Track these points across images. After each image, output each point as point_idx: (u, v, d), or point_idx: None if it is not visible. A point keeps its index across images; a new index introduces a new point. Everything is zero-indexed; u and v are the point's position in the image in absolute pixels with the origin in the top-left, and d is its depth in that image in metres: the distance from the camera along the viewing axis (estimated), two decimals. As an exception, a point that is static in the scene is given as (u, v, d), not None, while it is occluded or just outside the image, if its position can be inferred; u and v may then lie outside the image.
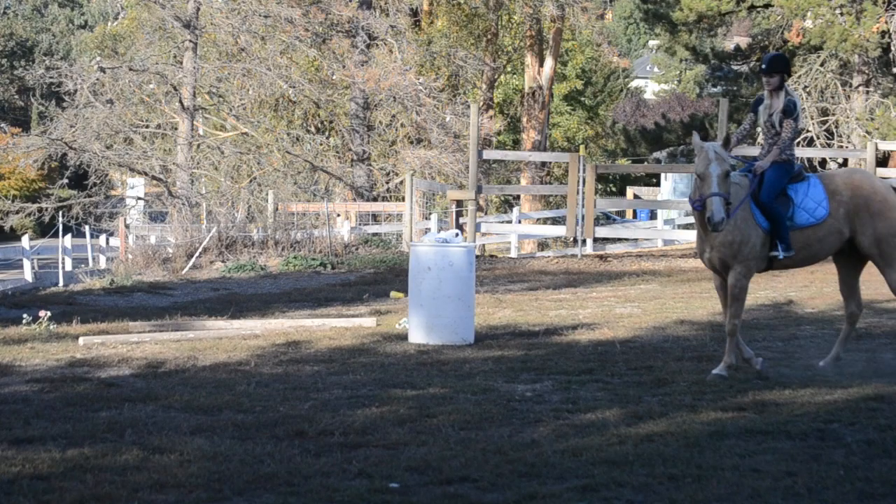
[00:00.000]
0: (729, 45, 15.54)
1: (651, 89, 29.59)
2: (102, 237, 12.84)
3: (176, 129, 13.44)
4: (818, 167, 12.56)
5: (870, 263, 3.77)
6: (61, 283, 9.57)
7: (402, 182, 12.42)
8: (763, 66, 3.70)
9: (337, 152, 14.18)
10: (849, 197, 3.65)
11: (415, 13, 15.46)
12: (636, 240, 12.27)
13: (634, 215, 20.24)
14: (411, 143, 13.92)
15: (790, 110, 3.65)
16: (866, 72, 12.11)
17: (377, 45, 13.49)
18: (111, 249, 12.47)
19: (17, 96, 25.31)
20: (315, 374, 3.83)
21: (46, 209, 12.51)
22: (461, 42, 16.01)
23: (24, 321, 5.08)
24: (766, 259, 3.61)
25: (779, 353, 4.22)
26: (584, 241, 9.92)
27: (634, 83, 29.08)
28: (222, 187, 12.93)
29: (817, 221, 3.62)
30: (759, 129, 3.80)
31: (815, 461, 2.57)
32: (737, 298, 3.60)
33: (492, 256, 10.82)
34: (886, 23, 11.56)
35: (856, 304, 3.82)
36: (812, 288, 6.57)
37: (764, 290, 6.58)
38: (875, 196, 3.66)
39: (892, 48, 11.67)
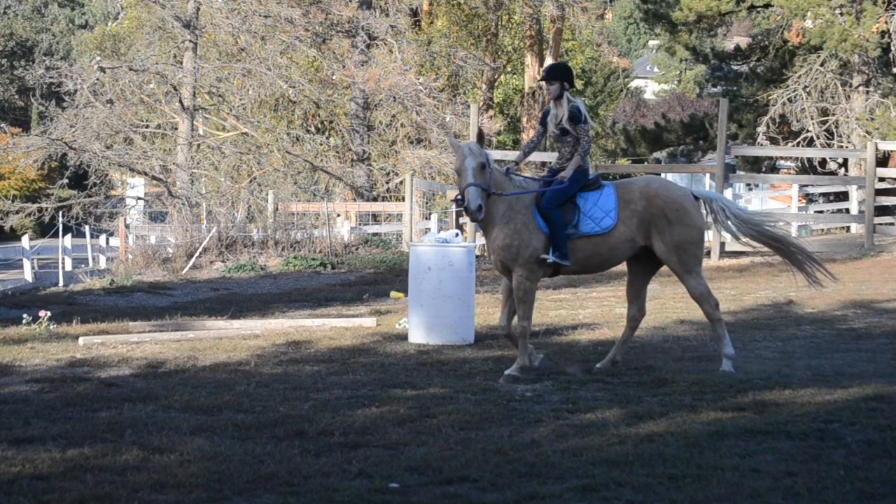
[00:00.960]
0: (729, 45, 15.54)
1: (651, 89, 29.58)
2: (102, 237, 12.85)
3: (176, 129, 13.44)
4: (818, 167, 12.59)
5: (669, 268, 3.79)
6: (61, 283, 9.57)
7: (402, 182, 12.42)
8: (543, 75, 3.76)
9: (337, 152, 14.18)
10: (643, 206, 3.67)
11: (415, 13, 15.46)
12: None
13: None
14: (411, 143, 13.91)
15: (577, 116, 3.68)
16: (866, 72, 12.09)
17: (377, 45, 13.49)
18: (111, 249, 12.48)
19: (17, 96, 25.33)
20: (315, 374, 3.83)
21: (46, 209, 12.50)
22: (461, 42, 16.01)
23: (24, 321, 5.09)
24: (552, 264, 3.65)
25: (779, 352, 4.23)
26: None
27: (634, 83, 29.07)
28: (222, 187, 12.93)
29: (603, 231, 3.65)
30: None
31: (816, 461, 2.57)
32: (522, 301, 3.63)
33: (492, 256, 10.78)
34: (886, 23, 11.55)
35: (638, 308, 3.84)
36: (812, 288, 6.58)
37: (764, 290, 6.57)
38: (671, 205, 3.67)
39: (892, 48, 11.63)
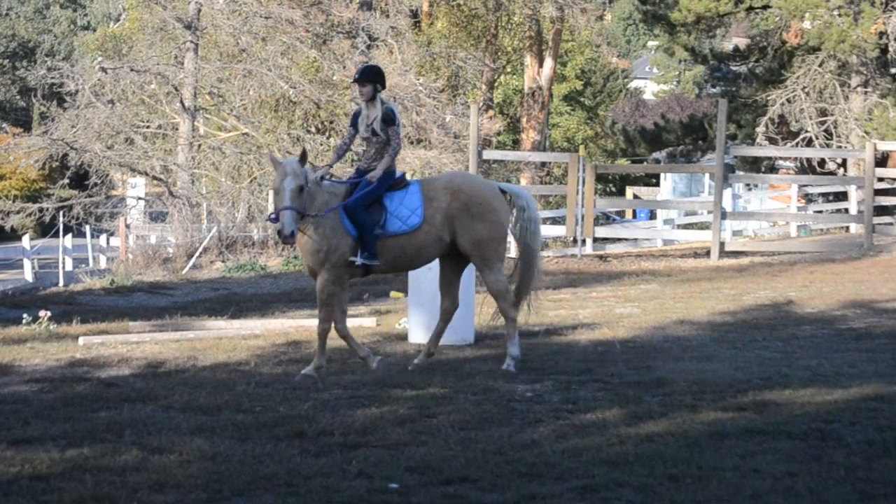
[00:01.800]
0: (727, 46, 15.56)
1: (650, 90, 29.62)
2: (103, 237, 12.84)
3: (177, 129, 13.43)
4: (817, 167, 12.58)
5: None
6: (61, 283, 9.56)
7: (402, 182, 12.32)
8: (356, 77, 3.75)
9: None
10: (447, 202, 3.67)
11: (415, 14, 15.46)
12: (636, 240, 12.25)
13: (634, 215, 20.27)
14: (411, 143, 13.91)
15: (390, 118, 3.69)
16: (864, 72, 12.09)
17: (377, 45, 13.48)
18: (111, 249, 12.48)
19: (18, 97, 25.26)
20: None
21: (47, 209, 12.48)
22: (461, 43, 16.02)
23: (24, 321, 5.08)
24: (362, 266, 3.65)
25: (779, 352, 4.22)
26: (583, 241, 9.88)
27: (634, 84, 29.10)
28: (223, 187, 12.92)
29: (410, 229, 3.63)
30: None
31: (816, 461, 2.56)
32: (325, 304, 3.61)
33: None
34: (884, 24, 11.53)
35: (451, 301, 3.84)
36: (812, 288, 6.58)
37: (764, 289, 6.56)
38: (475, 199, 3.68)
39: (890, 49, 11.59)
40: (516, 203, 3.82)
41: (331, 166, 3.82)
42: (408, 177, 4.00)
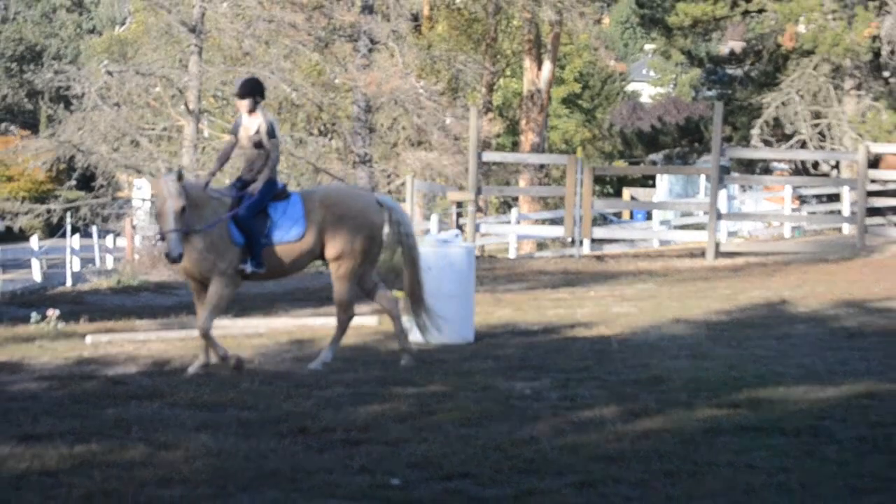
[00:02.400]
0: (724, 50, 15.65)
1: (647, 93, 29.68)
2: (109, 238, 12.86)
3: (181, 131, 13.45)
4: (811, 169, 12.64)
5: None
6: (69, 282, 9.56)
7: (402, 184, 12.46)
8: (236, 91, 3.84)
9: (339, 154, 14.20)
10: (322, 214, 3.78)
11: (415, 18, 15.51)
12: (633, 240, 12.32)
13: (631, 216, 20.34)
14: (412, 145, 13.95)
15: (271, 131, 3.77)
16: (858, 76, 12.15)
17: (379, 49, 13.52)
18: (118, 250, 12.49)
19: (26, 100, 25.22)
20: (317, 372, 3.85)
21: (54, 210, 12.51)
22: (461, 46, 16.07)
23: (32, 320, 5.11)
24: (240, 272, 3.77)
25: (772, 351, 4.25)
26: (581, 242, 9.95)
27: (631, 87, 29.15)
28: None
29: (293, 240, 3.75)
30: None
31: (808, 457, 2.60)
32: (217, 307, 3.75)
33: (491, 257, 10.85)
34: (877, 28, 11.58)
35: (383, 298, 3.98)
36: (805, 287, 6.63)
37: (758, 289, 6.61)
38: (349, 212, 3.80)
39: (883, 52, 11.66)
40: (392, 217, 3.92)
41: (213, 174, 3.84)
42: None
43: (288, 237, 3.73)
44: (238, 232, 3.69)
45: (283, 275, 3.96)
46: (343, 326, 3.91)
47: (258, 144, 3.77)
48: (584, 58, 23.86)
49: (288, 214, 3.73)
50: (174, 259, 3.61)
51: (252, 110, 3.78)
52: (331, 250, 3.80)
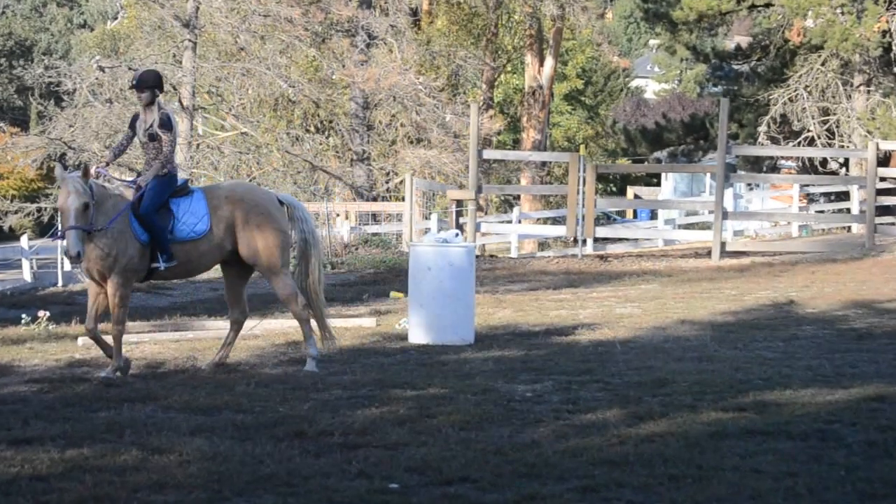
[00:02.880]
0: (729, 45, 15.54)
1: (651, 89, 29.57)
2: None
3: (175, 128, 13.34)
4: (819, 167, 12.55)
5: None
6: (60, 283, 9.53)
7: (401, 182, 12.42)
8: (134, 83, 3.80)
9: (336, 152, 14.16)
10: (229, 211, 3.75)
11: (414, 13, 15.43)
12: (636, 240, 12.25)
13: (635, 215, 20.28)
14: (411, 142, 13.90)
15: (167, 124, 3.73)
16: (867, 71, 12.06)
17: (377, 44, 13.46)
18: (111, 249, 12.40)
19: (15, 96, 25.20)
20: (314, 375, 3.82)
21: (45, 209, 12.52)
22: (461, 41, 15.99)
23: (22, 321, 5.09)
24: (147, 270, 3.73)
25: (779, 353, 4.21)
26: (584, 241, 9.89)
27: (635, 83, 29.05)
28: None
29: (198, 236, 3.71)
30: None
31: (816, 462, 2.56)
32: (120, 306, 3.71)
33: (492, 256, 10.80)
34: (888, 22, 11.50)
35: (240, 311, 3.94)
36: (813, 288, 6.57)
37: (765, 289, 6.57)
38: (256, 209, 3.76)
39: (894, 47, 11.57)
40: (294, 215, 3.88)
41: (107, 164, 3.78)
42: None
43: (192, 233, 3.70)
44: (141, 228, 3.66)
45: (188, 273, 3.92)
46: (302, 318, 3.86)
47: (153, 137, 3.73)
48: (587, 53, 23.74)
49: (192, 210, 3.70)
50: (72, 257, 3.56)
51: (150, 103, 3.74)
52: (245, 248, 3.77)
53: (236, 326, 3.95)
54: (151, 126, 3.73)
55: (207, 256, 3.80)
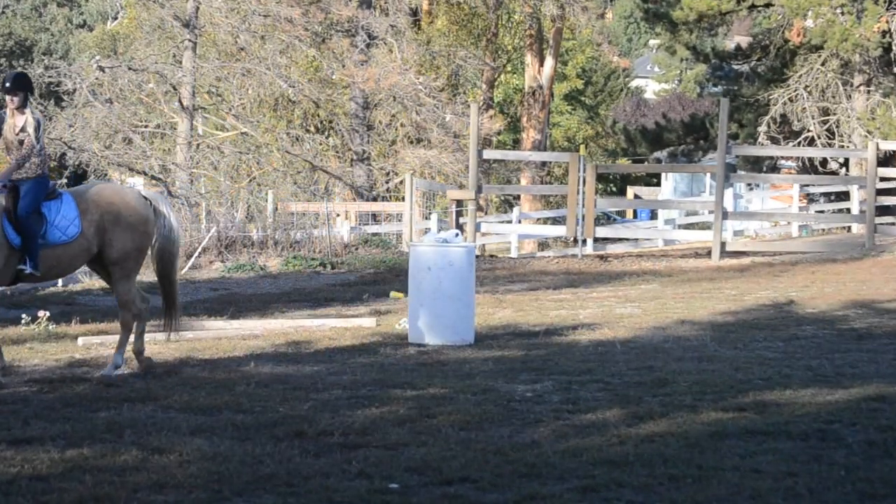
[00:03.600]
0: (729, 45, 15.55)
1: (651, 89, 29.58)
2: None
3: (175, 128, 13.40)
4: (819, 167, 12.55)
5: None
6: (60, 282, 9.53)
7: (401, 182, 12.42)
8: (6, 86, 3.75)
9: (336, 152, 14.16)
10: (99, 214, 3.73)
11: (414, 13, 15.44)
12: (637, 240, 12.25)
13: (635, 215, 20.28)
14: (411, 142, 13.90)
15: (37, 128, 3.74)
16: (867, 71, 12.07)
17: (377, 44, 13.46)
18: (110, 249, 12.40)
19: (16, 95, 25.10)
20: (314, 375, 3.82)
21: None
22: (461, 41, 15.99)
23: (22, 321, 5.08)
24: (14, 273, 3.68)
25: (780, 353, 4.21)
26: (584, 241, 9.89)
27: (635, 83, 29.06)
28: (222, 187, 12.89)
29: (69, 239, 3.70)
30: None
31: (817, 462, 2.56)
32: None
33: (492, 256, 10.81)
34: (888, 22, 11.50)
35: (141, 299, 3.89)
36: (813, 288, 6.58)
37: (765, 290, 6.56)
38: (126, 211, 3.77)
39: (894, 48, 11.58)
40: (157, 209, 3.88)
41: None
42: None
43: (64, 237, 3.70)
44: (14, 233, 3.64)
45: (58, 276, 3.97)
46: (129, 327, 3.85)
47: (23, 142, 3.73)
48: (587, 53, 23.72)
49: (63, 214, 3.70)
50: None
51: (21, 106, 3.74)
52: (112, 251, 3.78)
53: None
54: (23, 130, 3.72)
55: (77, 259, 3.80)
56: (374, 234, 11.00)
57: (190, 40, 12.67)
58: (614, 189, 24.02)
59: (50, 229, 3.68)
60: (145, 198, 3.88)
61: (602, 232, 10.57)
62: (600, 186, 19.62)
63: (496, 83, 18.34)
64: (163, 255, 3.92)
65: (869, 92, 12.12)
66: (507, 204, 18.75)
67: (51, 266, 3.75)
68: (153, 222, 3.85)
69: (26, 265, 3.65)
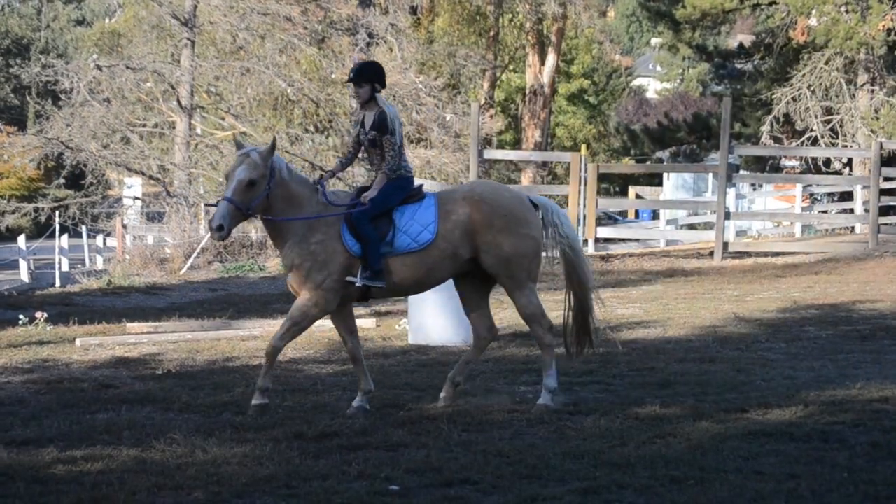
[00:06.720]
0: (732, 44, 15.51)
1: (653, 88, 29.50)
2: (99, 237, 12.75)
3: (173, 128, 13.37)
4: (823, 166, 12.44)
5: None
6: (58, 283, 9.54)
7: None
8: (351, 76, 3.24)
9: (336, 152, 14.14)
10: (467, 214, 3.19)
11: (415, 11, 15.41)
12: (638, 240, 12.24)
13: (636, 215, 20.20)
14: (411, 142, 13.85)
15: (383, 126, 3.22)
16: (872, 70, 12.01)
17: (377, 43, 13.43)
18: (108, 250, 12.42)
19: (12, 95, 25.12)
20: (314, 376, 3.81)
21: (43, 209, 12.42)
22: (462, 40, 15.96)
23: (20, 322, 5.07)
24: (361, 287, 3.13)
25: (782, 354, 4.19)
26: (585, 242, 9.87)
27: (637, 82, 28.98)
28: (220, 187, 12.86)
29: (420, 246, 3.15)
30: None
31: (819, 463, 2.55)
32: (297, 322, 3.14)
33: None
34: (892, 20, 11.44)
35: (487, 328, 3.30)
36: (816, 289, 6.55)
37: (767, 290, 6.55)
38: (499, 210, 3.19)
39: (899, 46, 11.61)
40: (547, 219, 3.28)
41: (333, 174, 3.26)
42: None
43: (414, 245, 3.20)
44: (352, 237, 3.15)
45: (414, 290, 3.39)
46: (545, 342, 3.26)
47: (374, 142, 3.29)
48: (593, 52, 23.60)
49: (417, 218, 3.22)
50: (213, 230, 3.08)
51: (369, 100, 3.26)
52: (488, 256, 3.24)
53: (481, 343, 3.30)
54: (371, 127, 3.23)
55: (437, 269, 3.17)
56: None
57: (188, 39, 12.63)
58: (616, 189, 23.96)
59: (398, 235, 3.12)
60: (533, 203, 3.25)
61: (604, 232, 10.49)
62: (604, 186, 19.48)
63: (497, 82, 18.28)
64: (568, 271, 3.26)
65: (873, 91, 12.06)
66: (508, 203, 18.52)
67: (403, 277, 3.15)
68: (537, 225, 3.20)
69: (359, 276, 3.06)
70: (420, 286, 3.31)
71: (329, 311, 3.20)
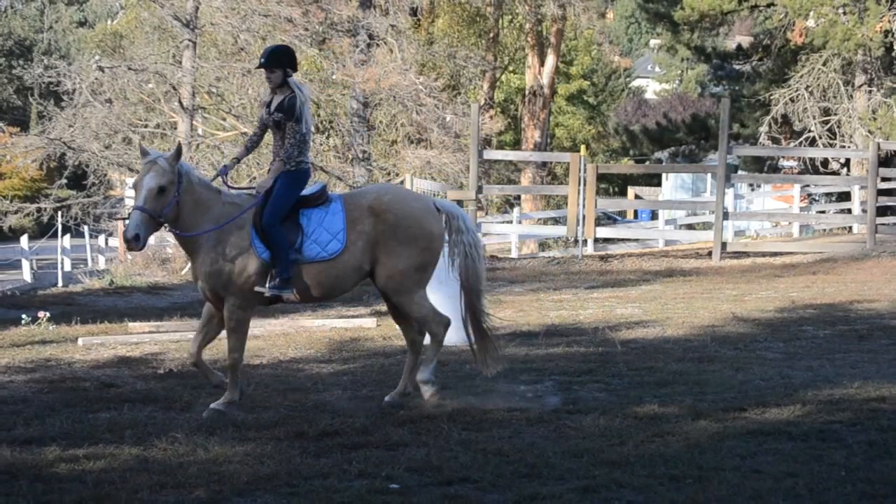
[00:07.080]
0: (731, 45, 15.54)
1: (652, 88, 29.56)
2: (101, 237, 12.81)
3: (175, 128, 13.41)
4: (821, 167, 12.49)
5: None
6: (60, 283, 9.56)
7: (402, 182, 12.41)
8: (262, 61, 3.06)
9: (337, 152, 14.17)
10: (372, 224, 3.03)
11: (415, 12, 15.44)
12: (637, 240, 12.25)
13: (635, 215, 20.23)
14: (412, 142, 13.89)
15: (290, 111, 3.00)
16: (869, 71, 12.04)
17: (377, 44, 13.46)
18: (110, 250, 12.46)
19: (15, 96, 25.17)
20: (315, 375, 3.82)
21: (45, 209, 12.47)
22: (462, 41, 16.00)
23: (23, 322, 5.09)
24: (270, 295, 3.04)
25: (780, 353, 4.21)
26: (585, 242, 9.90)
27: (636, 83, 29.05)
28: (221, 187, 12.83)
29: (330, 256, 3.00)
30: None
31: (817, 462, 2.56)
32: (234, 331, 3.06)
33: (492, 257, 10.82)
34: (889, 22, 11.49)
35: (417, 330, 3.24)
36: (814, 288, 6.57)
37: (766, 290, 6.57)
38: (405, 221, 3.03)
39: (896, 47, 11.67)
40: (452, 224, 3.15)
41: (238, 160, 3.12)
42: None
43: (324, 254, 3.09)
44: (261, 243, 3.09)
45: (319, 299, 3.31)
46: (439, 337, 3.25)
47: (278, 125, 3.14)
48: (592, 53, 23.67)
49: (325, 226, 3.10)
50: (129, 240, 3.02)
51: (281, 84, 3.11)
52: (383, 269, 3.15)
53: (415, 347, 3.23)
54: (276, 110, 3.08)
55: (343, 280, 3.04)
56: (375, 234, 10.95)
57: (190, 40, 12.66)
58: (615, 189, 23.99)
59: (307, 243, 2.97)
60: (437, 208, 3.09)
61: (603, 232, 10.51)
62: (603, 186, 19.50)
63: (497, 83, 18.32)
64: (465, 281, 3.17)
65: (870, 92, 12.09)
66: (508, 204, 18.76)
67: (310, 286, 3.01)
68: (440, 236, 3.06)
69: (267, 285, 2.95)
70: (326, 296, 3.17)
71: (256, 303, 3.10)
